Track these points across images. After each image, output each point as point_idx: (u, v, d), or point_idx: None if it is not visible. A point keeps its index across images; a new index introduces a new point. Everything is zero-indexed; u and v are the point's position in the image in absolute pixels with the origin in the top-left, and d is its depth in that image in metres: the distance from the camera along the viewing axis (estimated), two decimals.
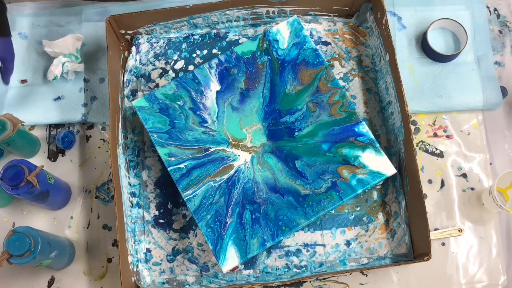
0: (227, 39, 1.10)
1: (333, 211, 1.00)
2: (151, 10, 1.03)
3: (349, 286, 0.98)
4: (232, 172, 0.94)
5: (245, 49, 1.01)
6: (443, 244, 1.00)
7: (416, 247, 0.96)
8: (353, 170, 0.93)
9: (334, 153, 0.94)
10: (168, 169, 0.94)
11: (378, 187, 1.01)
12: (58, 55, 1.06)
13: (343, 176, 0.93)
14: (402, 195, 0.99)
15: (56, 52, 1.06)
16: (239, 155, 0.95)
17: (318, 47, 1.09)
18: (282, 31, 1.01)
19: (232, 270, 0.96)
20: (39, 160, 1.04)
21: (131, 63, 1.08)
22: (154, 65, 1.09)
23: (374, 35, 1.07)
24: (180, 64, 1.09)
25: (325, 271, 0.95)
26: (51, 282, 0.98)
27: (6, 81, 1.08)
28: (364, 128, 0.96)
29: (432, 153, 1.05)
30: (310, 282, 0.97)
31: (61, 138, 1.04)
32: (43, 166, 0.89)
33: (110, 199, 1.02)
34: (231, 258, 0.89)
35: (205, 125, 0.97)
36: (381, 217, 1.00)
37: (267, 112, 0.98)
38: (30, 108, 1.05)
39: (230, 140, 0.96)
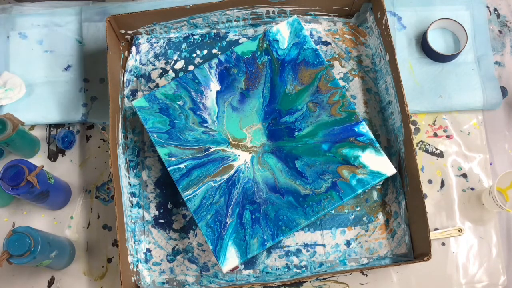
0: (227, 39, 1.10)
1: (333, 211, 1.00)
2: (151, 10, 1.03)
3: (349, 286, 0.98)
4: (232, 172, 0.94)
5: (245, 49, 1.00)
6: (443, 244, 1.00)
7: (416, 247, 0.96)
8: (353, 170, 0.93)
9: (334, 153, 0.94)
10: (168, 169, 0.94)
11: (378, 187, 1.01)
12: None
13: (343, 176, 0.93)
14: (402, 195, 0.99)
15: None
16: (239, 155, 0.95)
17: (318, 47, 1.09)
18: (282, 31, 1.01)
19: (232, 270, 0.96)
20: (39, 160, 1.04)
21: (131, 63, 1.07)
22: (154, 65, 1.08)
23: (374, 35, 1.07)
24: (180, 64, 1.09)
25: (325, 271, 0.95)
26: (51, 282, 0.98)
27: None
28: (364, 128, 0.96)
29: (432, 153, 1.05)
30: (310, 282, 0.97)
31: (61, 138, 1.04)
32: (43, 166, 0.89)
33: (110, 199, 1.02)
34: (231, 258, 0.89)
35: (205, 125, 0.97)
36: (381, 217, 1.00)
37: (267, 112, 0.98)
38: (30, 108, 1.05)
39: (230, 140, 0.96)
